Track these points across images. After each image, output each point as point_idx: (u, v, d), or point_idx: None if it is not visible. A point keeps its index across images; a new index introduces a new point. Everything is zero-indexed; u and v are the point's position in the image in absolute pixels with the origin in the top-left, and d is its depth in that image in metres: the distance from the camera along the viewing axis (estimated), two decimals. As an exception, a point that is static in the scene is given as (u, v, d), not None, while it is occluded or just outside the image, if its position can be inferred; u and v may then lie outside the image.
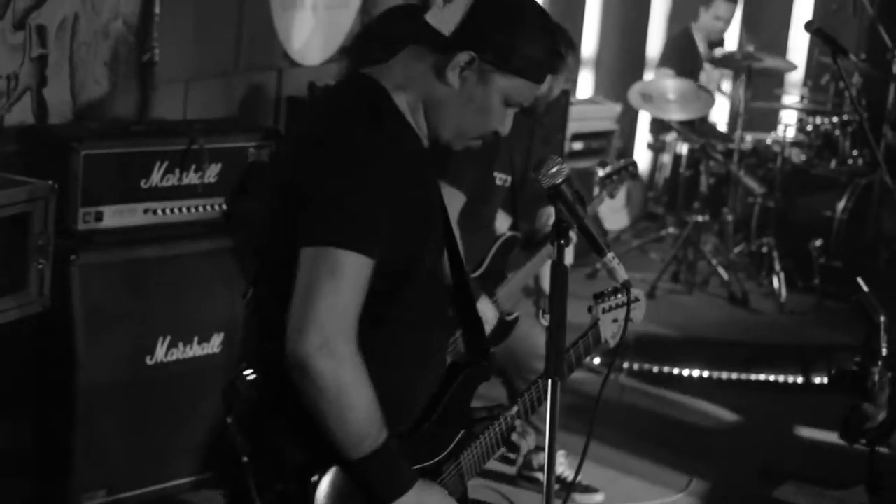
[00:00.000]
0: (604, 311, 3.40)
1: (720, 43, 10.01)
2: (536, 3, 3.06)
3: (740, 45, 10.33)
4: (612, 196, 5.93)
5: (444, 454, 3.11)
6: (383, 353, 2.92)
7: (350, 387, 2.80)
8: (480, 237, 5.27)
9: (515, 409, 3.23)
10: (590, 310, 3.41)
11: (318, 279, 2.78)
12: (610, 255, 2.82)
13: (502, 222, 5.58)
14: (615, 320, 3.39)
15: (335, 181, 2.85)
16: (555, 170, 2.79)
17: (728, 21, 10.23)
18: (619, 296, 3.42)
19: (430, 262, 3.06)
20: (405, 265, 2.94)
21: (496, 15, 2.97)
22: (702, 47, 10.16)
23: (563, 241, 2.73)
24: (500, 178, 5.30)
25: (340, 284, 2.78)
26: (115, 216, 4.85)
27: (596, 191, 5.92)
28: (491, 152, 5.14)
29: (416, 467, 2.98)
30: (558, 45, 3.04)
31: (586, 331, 3.39)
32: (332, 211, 2.84)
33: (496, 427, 3.20)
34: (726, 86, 10.94)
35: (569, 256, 2.83)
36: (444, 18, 2.94)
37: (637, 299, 3.51)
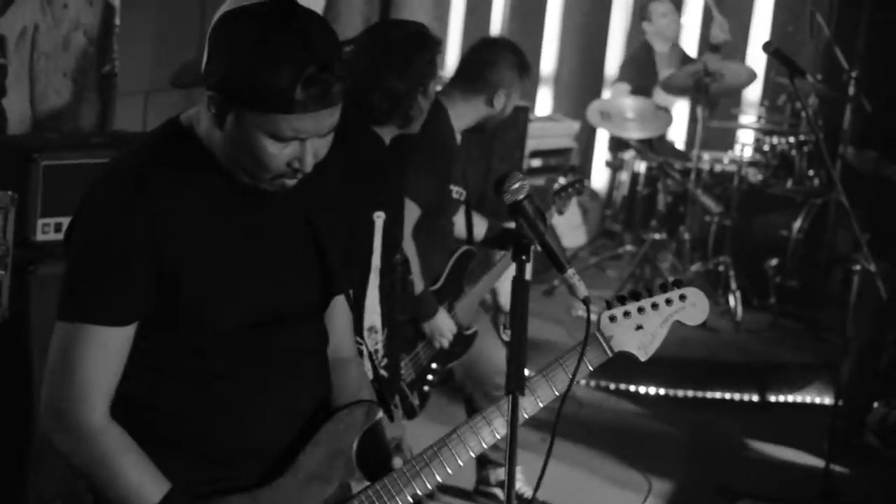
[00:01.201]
0: (614, 320, 3.06)
1: (717, 48, 9.94)
2: (282, 13, 2.65)
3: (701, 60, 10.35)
4: (560, 212, 5.94)
5: None
6: (189, 411, 2.80)
7: (96, 463, 2.72)
8: (437, 251, 5.28)
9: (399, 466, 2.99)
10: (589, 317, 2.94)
11: (56, 357, 2.72)
12: (570, 270, 2.80)
13: (479, 227, 5.59)
14: (640, 327, 3.06)
15: (67, 247, 2.76)
16: (516, 186, 2.77)
17: (674, 15, 10.19)
18: (650, 296, 3.09)
19: (242, 309, 2.79)
20: (198, 317, 2.74)
21: (224, 43, 2.67)
22: (664, 61, 10.16)
23: (524, 257, 2.72)
24: (457, 192, 5.31)
25: (76, 362, 2.69)
26: (74, 228, 4.82)
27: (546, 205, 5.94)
28: (449, 165, 5.15)
29: None
30: (312, 63, 2.60)
31: (582, 344, 3.04)
32: (65, 281, 2.73)
33: (391, 487, 2.95)
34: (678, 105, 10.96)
35: (527, 272, 2.76)
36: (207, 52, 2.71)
37: (684, 298, 3.11)
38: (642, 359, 3.06)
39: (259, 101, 2.60)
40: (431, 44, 4.52)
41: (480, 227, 5.59)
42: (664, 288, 3.09)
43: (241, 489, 2.83)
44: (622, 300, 3.07)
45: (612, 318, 3.05)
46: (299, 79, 2.58)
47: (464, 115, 5.26)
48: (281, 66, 2.58)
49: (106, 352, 2.71)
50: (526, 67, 5.37)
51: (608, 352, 3.05)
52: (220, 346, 2.79)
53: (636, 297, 3.07)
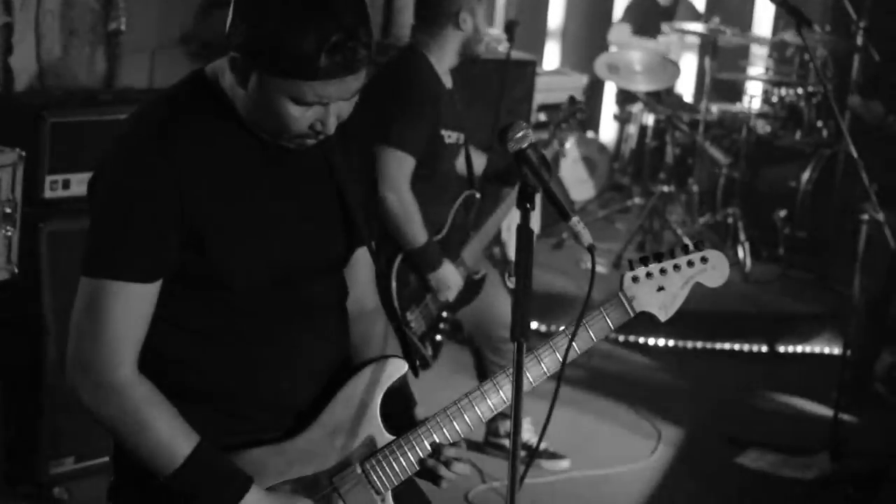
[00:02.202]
0: (636, 280, 3.05)
1: None
2: None
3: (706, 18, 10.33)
4: (562, 144, 5.88)
5: (334, 464, 2.93)
6: (215, 366, 2.83)
7: (124, 416, 2.72)
8: (439, 200, 5.27)
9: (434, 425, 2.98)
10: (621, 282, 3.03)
11: (82, 312, 2.71)
12: (575, 218, 2.79)
13: (479, 162, 5.58)
14: (661, 288, 3.06)
15: (93, 200, 2.75)
16: (520, 134, 2.76)
17: None
18: (672, 258, 3.07)
19: (266, 267, 2.81)
20: (224, 274, 2.76)
21: (249, 7, 2.64)
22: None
23: (528, 206, 2.72)
24: (449, 136, 5.28)
25: (103, 317, 2.68)
26: (83, 184, 4.80)
27: (546, 138, 5.89)
28: (435, 110, 5.13)
29: (285, 479, 2.87)
30: (337, 29, 2.58)
31: (604, 304, 3.05)
32: (91, 236, 2.72)
33: (413, 440, 2.96)
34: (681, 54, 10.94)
35: (535, 223, 2.76)
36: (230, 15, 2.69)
37: (705, 260, 3.10)
38: (662, 319, 3.06)
39: (282, 66, 2.59)
40: None
41: (480, 162, 5.58)
42: (686, 249, 3.09)
43: (265, 442, 2.86)
44: (645, 261, 3.06)
45: (635, 279, 3.04)
46: (324, 46, 2.56)
47: (442, 53, 5.22)
48: (306, 33, 2.56)
49: (134, 308, 2.71)
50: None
51: (630, 312, 3.04)
52: (243, 302, 2.81)
53: (658, 258, 3.07)
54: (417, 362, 3.08)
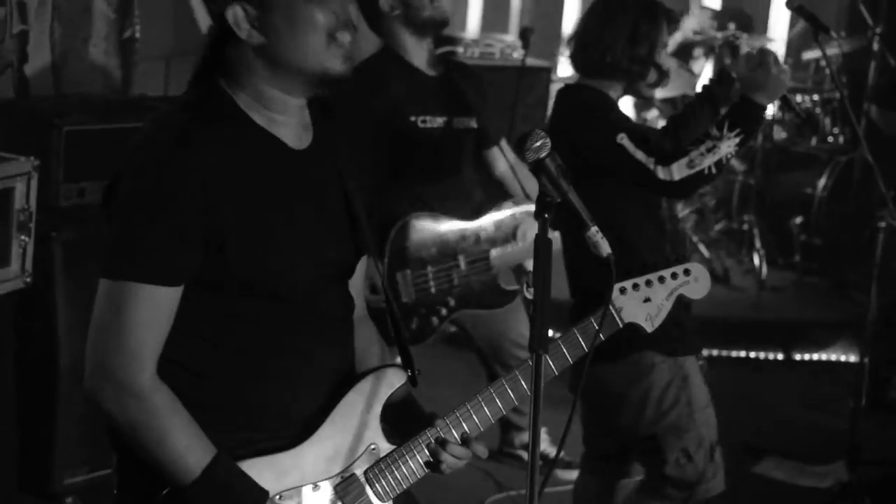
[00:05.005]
0: (624, 292, 3.18)
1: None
2: None
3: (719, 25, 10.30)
4: None
5: (338, 471, 2.93)
6: (227, 376, 2.82)
7: (145, 423, 2.70)
8: (445, 191, 5.27)
9: (440, 426, 3.00)
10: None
11: (104, 315, 2.70)
12: (594, 228, 2.79)
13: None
14: (647, 300, 3.20)
15: (115, 203, 2.73)
16: (538, 144, 2.75)
17: None
18: (660, 274, 3.23)
19: (289, 272, 2.81)
20: (246, 279, 2.75)
21: None
22: None
23: (546, 215, 2.71)
24: (426, 121, 5.17)
25: (126, 320, 2.67)
26: (98, 192, 4.80)
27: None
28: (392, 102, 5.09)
29: (289, 488, 2.85)
30: None
31: (597, 314, 3.11)
32: (114, 238, 2.72)
33: (417, 445, 2.98)
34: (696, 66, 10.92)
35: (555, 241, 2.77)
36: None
37: (688, 272, 3.28)
38: (649, 330, 3.28)
39: None
40: None
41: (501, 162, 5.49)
42: (669, 262, 3.25)
43: (272, 451, 2.85)
44: (630, 273, 3.20)
45: (623, 290, 3.18)
46: None
47: (404, 40, 5.16)
48: None
49: (156, 311, 2.70)
50: None
51: (619, 322, 3.18)
52: (260, 310, 2.80)
53: (643, 270, 3.21)
54: (418, 371, 3.07)
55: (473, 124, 5.27)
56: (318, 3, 2.73)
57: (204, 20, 2.59)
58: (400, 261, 5.08)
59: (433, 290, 5.14)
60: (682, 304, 3.31)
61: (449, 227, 5.17)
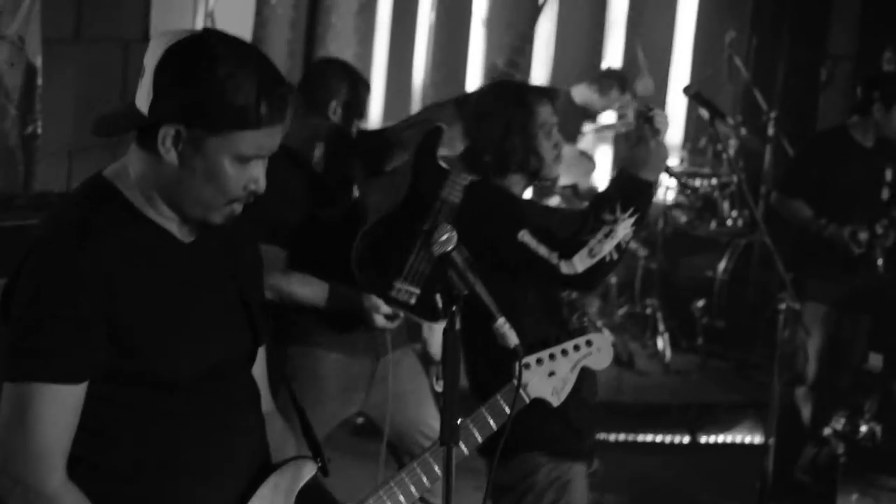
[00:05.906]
0: (528, 367, 3.24)
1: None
2: (224, 40, 2.71)
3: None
4: None
5: None
6: (137, 471, 2.77)
7: None
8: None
9: None
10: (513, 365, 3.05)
11: (8, 417, 2.64)
12: (501, 320, 2.80)
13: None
14: (552, 374, 3.24)
15: (14, 303, 2.68)
16: (445, 237, 2.76)
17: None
18: (563, 347, 3.29)
19: (194, 363, 2.78)
20: (150, 371, 2.72)
21: (179, 73, 2.66)
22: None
23: (454, 308, 2.72)
24: None
25: (32, 421, 2.62)
26: (-1, 290, 4.79)
27: None
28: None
29: None
30: (267, 79, 2.68)
31: (503, 391, 3.19)
32: (15, 339, 2.66)
33: None
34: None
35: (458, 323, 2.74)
36: (141, 95, 2.72)
37: (590, 343, 3.36)
38: (555, 404, 3.27)
39: (226, 120, 2.64)
40: None
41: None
42: (570, 334, 3.30)
43: None
44: (532, 348, 3.23)
45: (527, 366, 3.23)
46: (262, 92, 2.65)
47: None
48: (243, 83, 2.63)
49: (62, 411, 2.65)
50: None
51: (526, 398, 3.23)
52: (169, 402, 2.77)
53: (545, 344, 3.25)
54: (328, 460, 3.06)
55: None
56: (240, 167, 2.70)
57: (142, 103, 2.52)
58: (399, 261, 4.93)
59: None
60: (583, 406, 3.32)
61: None
